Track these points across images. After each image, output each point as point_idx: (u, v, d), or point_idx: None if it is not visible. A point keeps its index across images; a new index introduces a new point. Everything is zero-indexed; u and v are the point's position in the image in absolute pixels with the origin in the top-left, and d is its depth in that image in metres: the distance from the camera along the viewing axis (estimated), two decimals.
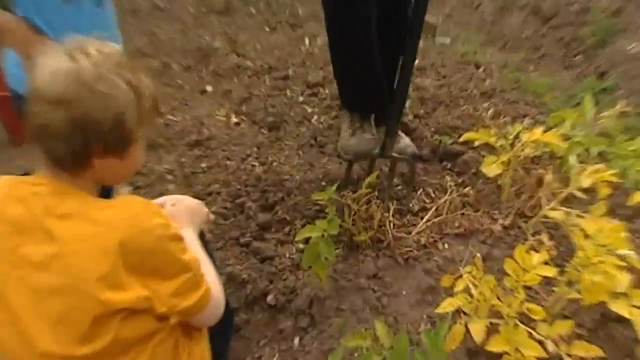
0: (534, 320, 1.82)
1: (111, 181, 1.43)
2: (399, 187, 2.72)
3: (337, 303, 2.23)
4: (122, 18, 4.58)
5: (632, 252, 1.87)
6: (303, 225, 2.61)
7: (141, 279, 1.26)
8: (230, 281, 2.33)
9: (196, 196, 2.17)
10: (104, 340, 1.23)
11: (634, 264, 1.87)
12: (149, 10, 5.50)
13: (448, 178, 2.82)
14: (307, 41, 4.53)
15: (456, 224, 2.54)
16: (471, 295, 1.85)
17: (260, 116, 3.48)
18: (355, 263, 2.41)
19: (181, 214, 1.66)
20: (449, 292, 1.98)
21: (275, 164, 3.09)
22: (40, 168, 1.35)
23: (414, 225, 2.62)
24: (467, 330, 1.79)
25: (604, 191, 2.29)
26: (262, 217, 2.67)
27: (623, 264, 1.83)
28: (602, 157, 2.66)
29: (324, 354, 2.03)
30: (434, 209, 2.65)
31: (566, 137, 2.56)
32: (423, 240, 2.51)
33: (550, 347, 1.73)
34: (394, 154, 2.58)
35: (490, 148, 2.75)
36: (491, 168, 2.47)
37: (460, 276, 1.94)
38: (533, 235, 2.46)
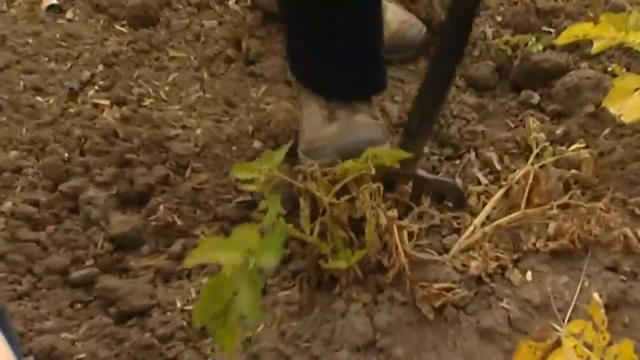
0: None
1: None
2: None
3: None
4: None
5: None
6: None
7: None
8: None
9: None
10: None
11: None
12: None
13: (532, 123, 1.69)
14: None
15: (551, 230, 1.47)
16: None
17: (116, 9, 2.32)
18: (325, 316, 1.44)
19: None
20: None
21: (148, 101, 1.99)
22: None
23: (455, 232, 1.54)
24: None
25: None
26: (120, 222, 1.66)
27: None
28: None
29: None
30: (498, 193, 1.52)
31: None
32: (475, 267, 1.44)
33: None
34: (420, 172, 1.64)
35: (626, 57, 2.00)
36: (631, 104, 1.55)
37: (558, 342, 1.28)
38: None
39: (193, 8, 2.25)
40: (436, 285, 1.35)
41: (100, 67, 2.02)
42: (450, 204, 1.66)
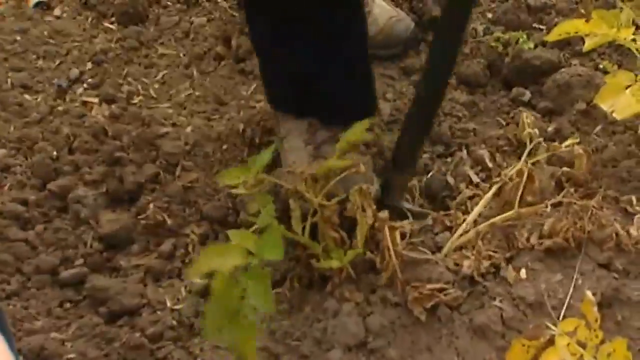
0: None
1: None
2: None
3: None
4: None
5: None
6: (203, 239, 1.63)
7: None
8: None
9: None
10: None
11: None
12: None
13: (526, 119, 1.70)
14: None
15: (545, 229, 1.48)
16: None
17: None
18: (317, 315, 1.43)
19: None
20: None
21: (137, 99, 1.98)
22: None
23: (448, 230, 1.53)
24: None
25: None
26: (110, 221, 1.64)
27: None
28: None
29: None
30: (491, 191, 1.51)
31: None
32: (468, 266, 1.43)
33: None
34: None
35: (617, 54, 2.03)
36: (623, 101, 1.57)
37: (551, 340, 1.27)
38: None
39: (182, 5, 2.23)
40: (429, 286, 1.35)
41: (89, 65, 2.00)
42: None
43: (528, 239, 1.43)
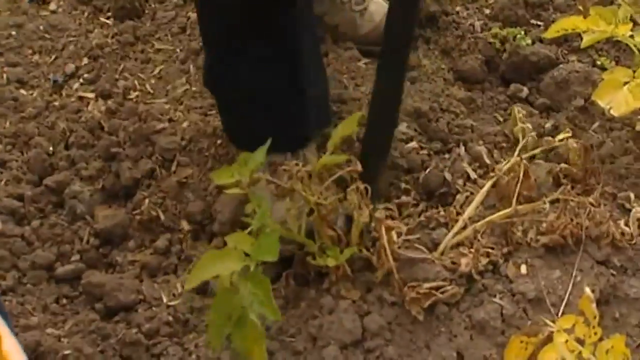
0: None
1: None
2: None
3: None
4: None
5: None
6: (195, 233, 1.62)
7: None
8: None
9: None
10: None
11: None
12: None
13: (517, 113, 1.72)
14: None
15: (543, 226, 1.46)
16: None
17: None
18: (312, 312, 1.40)
19: None
20: None
21: (134, 94, 1.95)
22: None
23: (443, 226, 1.51)
24: None
25: None
26: (105, 217, 1.63)
27: None
28: None
29: None
30: (486, 185, 1.49)
31: None
32: (466, 264, 1.40)
33: None
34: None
35: (615, 50, 2.02)
36: (620, 98, 1.55)
37: (550, 337, 1.26)
38: None
39: (179, 0, 2.20)
40: (426, 285, 1.33)
41: (85, 60, 1.98)
42: None
43: (526, 235, 1.42)
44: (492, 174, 1.48)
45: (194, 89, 1.92)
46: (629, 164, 1.64)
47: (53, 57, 1.98)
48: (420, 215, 1.53)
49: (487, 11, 2.18)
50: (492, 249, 1.38)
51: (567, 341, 1.25)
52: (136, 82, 1.94)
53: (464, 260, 1.35)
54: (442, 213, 1.49)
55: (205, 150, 1.73)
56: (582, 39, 1.63)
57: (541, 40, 2.00)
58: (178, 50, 2.06)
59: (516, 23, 2.08)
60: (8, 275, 1.48)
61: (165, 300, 1.49)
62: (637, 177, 1.61)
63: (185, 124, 1.79)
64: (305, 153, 1.59)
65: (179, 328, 1.43)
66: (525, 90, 1.89)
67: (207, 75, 1.64)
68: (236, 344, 1.26)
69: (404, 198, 1.53)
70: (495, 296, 1.36)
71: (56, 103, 1.84)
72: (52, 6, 2.14)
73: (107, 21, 2.11)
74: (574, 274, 1.40)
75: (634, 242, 1.42)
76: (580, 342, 1.25)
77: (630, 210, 1.49)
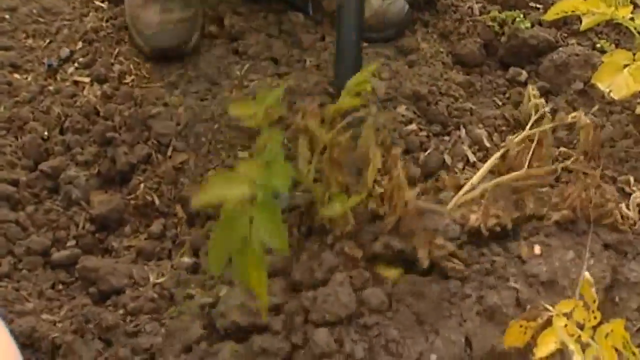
0: None
1: None
2: None
3: None
4: None
5: None
6: (190, 218, 1.60)
7: None
8: (29, 348, 1.37)
9: None
10: None
11: None
12: None
13: (532, 90, 1.66)
14: None
15: (555, 198, 1.47)
16: None
17: None
18: (314, 266, 1.35)
19: None
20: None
21: (129, 78, 1.94)
22: None
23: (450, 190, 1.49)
24: None
25: None
26: (101, 202, 1.61)
27: None
28: None
29: None
30: (497, 154, 1.46)
31: None
32: (475, 220, 1.41)
33: None
34: None
35: (615, 33, 2.03)
36: (620, 81, 1.53)
37: (549, 321, 1.24)
38: None
39: None
40: (437, 242, 1.31)
41: (80, 44, 1.95)
42: None
43: (536, 207, 1.40)
44: (502, 144, 1.46)
45: (190, 73, 1.91)
46: (629, 148, 1.63)
47: (47, 41, 1.95)
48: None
49: None
50: (502, 211, 1.36)
51: (566, 325, 1.24)
52: (131, 66, 1.92)
53: (473, 216, 1.34)
54: (447, 180, 1.46)
55: (202, 135, 1.71)
56: (581, 21, 1.62)
57: (540, 23, 1.98)
58: None
59: (515, 6, 2.07)
60: (3, 261, 1.46)
61: (152, 279, 1.49)
62: (637, 161, 1.60)
63: (181, 109, 1.78)
64: None
65: (162, 304, 1.42)
66: (524, 73, 1.89)
67: None
68: (236, 268, 1.17)
69: None
70: (508, 280, 1.33)
71: (51, 87, 1.82)
72: None
73: (102, 5, 2.08)
74: (586, 256, 1.39)
75: (635, 226, 1.42)
76: (580, 326, 1.24)
77: (630, 194, 1.48)
